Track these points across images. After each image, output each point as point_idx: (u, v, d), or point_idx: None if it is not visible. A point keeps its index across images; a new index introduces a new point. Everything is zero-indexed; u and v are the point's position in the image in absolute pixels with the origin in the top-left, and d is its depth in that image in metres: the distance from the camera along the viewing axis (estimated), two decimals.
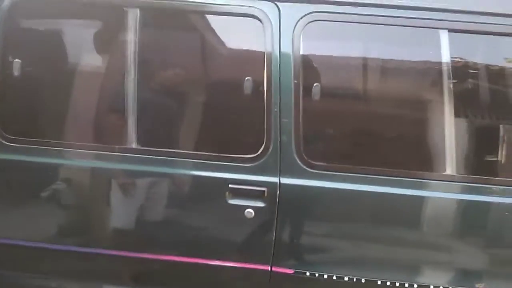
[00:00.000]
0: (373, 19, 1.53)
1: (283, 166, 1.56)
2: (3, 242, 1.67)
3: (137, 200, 1.66)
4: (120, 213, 1.68)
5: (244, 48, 1.67)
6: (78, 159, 1.63)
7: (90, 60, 1.72)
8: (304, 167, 1.54)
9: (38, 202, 1.66)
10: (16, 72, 1.57)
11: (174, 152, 1.61)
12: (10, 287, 1.76)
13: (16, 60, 1.57)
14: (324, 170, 1.55)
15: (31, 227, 1.69)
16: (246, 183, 1.57)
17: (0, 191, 1.67)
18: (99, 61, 1.69)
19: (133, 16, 1.57)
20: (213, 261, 1.62)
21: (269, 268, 1.60)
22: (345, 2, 1.53)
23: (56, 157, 1.62)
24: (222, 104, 1.62)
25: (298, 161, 1.54)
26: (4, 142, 1.59)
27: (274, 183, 1.55)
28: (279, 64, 1.54)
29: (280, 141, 1.55)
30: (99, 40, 1.65)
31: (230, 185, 1.56)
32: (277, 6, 1.55)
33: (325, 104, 1.59)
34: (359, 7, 1.53)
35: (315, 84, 1.53)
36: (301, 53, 1.54)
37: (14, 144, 1.60)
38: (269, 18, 1.55)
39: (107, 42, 1.66)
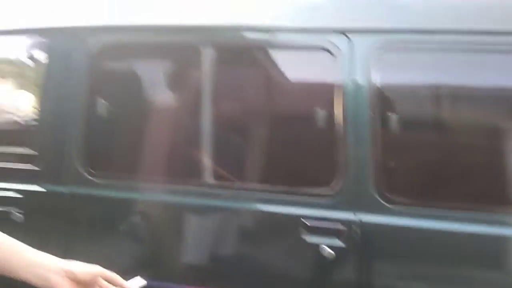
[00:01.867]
0: (449, 46, 1.45)
1: (361, 202, 1.48)
2: None
3: (211, 235, 1.67)
4: (194, 248, 1.69)
5: (316, 81, 1.65)
6: (155, 194, 1.67)
7: (168, 98, 1.80)
8: (385, 203, 1.45)
9: (118, 235, 1.72)
10: (101, 113, 1.68)
11: (248, 187, 1.60)
12: None
13: (102, 101, 1.68)
14: (406, 206, 1.45)
15: (111, 259, 1.75)
16: (322, 219, 1.51)
17: (85, 224, 1.76)
18: (175, 99, 1.77)
19: (208, 54, 1.62)
20: None
21: None
22: (419, 30, 1.47)
23: (137, 191, 1.68)
24: (296, 138, 1.60)
25: (378, 197, 1.46)
26: (89, 177, 1.68)
27: (352, 220, 1.48)
28: (353, 96, 1.50)
29: (357, 176, 1.49)
30: (176, 79, 1.73)
31: (305, 221, 1.51)
32: (348, 37, 1.52)
33: (404, 136, 1.51)
34: (433, 35, 1.46)
35: (392, 115, 1.47)
36: (375, 83, 1.49)
37: (99, 180, 1.69)
38: (340, 50, 1.52)
39: (183, 80, 1.73)
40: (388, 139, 1.49)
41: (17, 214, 1.72)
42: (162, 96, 1.81)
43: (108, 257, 1.73)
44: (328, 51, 1.52)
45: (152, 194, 1.68)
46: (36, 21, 1.80)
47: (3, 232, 0.82)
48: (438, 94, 1.55)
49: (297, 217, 1.51)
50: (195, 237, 1.69)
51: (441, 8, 1.51)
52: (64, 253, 0.82)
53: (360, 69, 1.50)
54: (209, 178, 1.61)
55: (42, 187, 1.75)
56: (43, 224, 1.72)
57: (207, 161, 1.61)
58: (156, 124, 1.77)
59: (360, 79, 1.50)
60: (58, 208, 1.72)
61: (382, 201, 1.45)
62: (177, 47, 1.72)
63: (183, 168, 1.71)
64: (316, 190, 1.53)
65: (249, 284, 1.60)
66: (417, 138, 1.55)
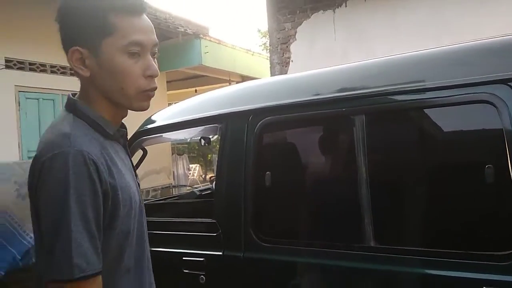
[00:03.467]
0: None
1: None
2: None
3: None
4: None
5: (480, 134, 1.57)
6: (320, 258, 1.73)
7: (325, 166, 1.92)
8: None
9: None
10: (267, 183, 1.87)
11: (415, 250, 1.55)
12: None
13: (267, 172, 1.88)
14: None
15: None
16: (503, 285, 1.37)
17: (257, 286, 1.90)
18: (333, 166, 1.88)
19: (360, 122, 1.70)
20: None
21: None
22: None
23: (302, 255, 1.77)
24: (462, 196, 1.53)
25: None
26: (260, 243, 1.85)
27: None
28: None
29: None
30: (332, 147, 1.85)
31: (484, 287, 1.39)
32: (510, 86, 1.44)
33: None
34: None
35: None
36: None
37: (268, 245, 1.84)
38: (503, 101, 1.44)
39: (339, 148, 1.84)
40: None
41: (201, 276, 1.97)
42: (320, 164, 1.94)
43: None
44: (491, 103, 1.45)
45: (314, 257, 1.74)
46: (212, 109, 2.15)
47: None
48: None
49: (475, 282, 1.40)
50: None
51: None
52: None
53: None
54: (371, 241, 1.62)
55: (220, 251, 1.98)
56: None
57: (368, 224, 1.62)
58: (316, 191, 1.89)
59: None
60: (234, 270, 1.93)
61: None
62: (330, 118, 1.84)
63: (345, 232, 1.75)
64: (493, 252, 1.40)
65: None
66: None
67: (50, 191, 0.87)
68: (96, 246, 0.89)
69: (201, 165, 14.34)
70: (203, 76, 9.96)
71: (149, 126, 2.42)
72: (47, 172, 0.88)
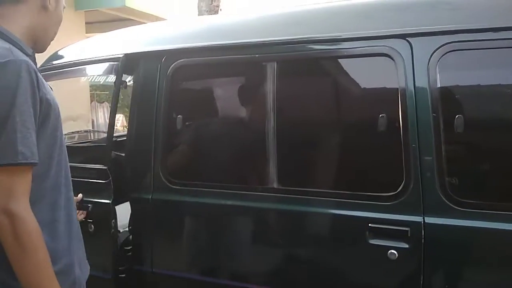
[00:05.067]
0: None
1: (426, 204, 1.48)
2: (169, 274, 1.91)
3: (274, 238, 1.75)
4: (260, 250, 1.79)
5: (377, 86, 1.68)
6: (225, 199, 1.79)
7: (236, 111, 1.95)
8: (451, 205, 1.44)
9: (192, 237, 1.89)
10: (178, 126, 1.86)
11: (312, 191, 1.66)
12: None
13: (179, 116, 1.86)
14: (474, 209, 1.42)
15: (186, 260, 1.91)
16: (387, 222, 1.53)
17: (165, 227, 1.93)
18: (243, 111, 1.91)
19: (271, 69, 1.73)
20: None
21: None
22: (481, 29, 1.45)
23: (208, 196, 1.82)
24: (358, 143, 1.65)
25: (444, 198, 1.45)
26: (169, 185, 1.86)
27: (417, 223, 1.48)
28: (415, 99, 1.50)
29: (421, 178, 1.48)
30: (244, 93, 1.87)
31: (370, 225, 1.54)
32: (408, 41, 1.54)
33: (469, 137, 1.49)
34: (497, 32, 1.43)
35: (457, 116, 1.45)
36: (438, 85, 1.49)
37: (176, 187, 1.86)
38: (400, 55, 1.54)
39: (250, 93, 1.86)
40: (453, 140, 1.48)
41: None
42: (230, 109, 1.96)
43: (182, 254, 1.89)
44: (389, 56, 1.55)
45: (221, 198, 1.80)
46: (124, 48, 2.04)
47: None
48: (502, 93, 1.51)
49: (363, 220, 1.55)
50: (262, 240, 1.78)
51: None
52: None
53: (421, 72, 1.51)
54: (276, 183, 1.70)
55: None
56: None
57: (272, 167, 1.70)
58: (225, 134, 1.92)
59: (422, 82, 1.51)
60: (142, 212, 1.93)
61: (448, 203, 1.44)
62: (243, 64, 1.85)
63: (250, 174, 1.82)
64: (380, 194, 1.55)
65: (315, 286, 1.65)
66: (483, 139, 1.51)
67: (2, 83, 0.97)
68: (35, 141, 1.00)
69: (125, 116, 13.77)
70: (128, 19, 9.33)
71: (55, 62, 2.25)
72: (2, 72, 0.98)
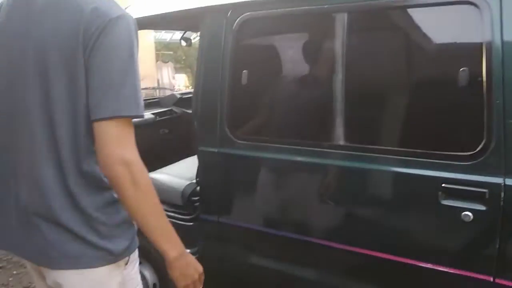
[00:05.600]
0: None
1: (508, 165, 1.38)
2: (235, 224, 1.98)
3: (344, 196, 1.73)
4: (325, 207, 1.78)
5: (458, 38, 1.54)
6: (289, 154, 1.78)
7: (303, 66, 1.89)
8: None
9: (255, 190, 1.92)
10: (244, 81, 1.85)
11: (383, 149, 1.61)
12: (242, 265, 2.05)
13: (244, 71, 1.85)
14: None
15: (251, 211, 1.96)
16: (462, 183, 1.44)
17: (230, 180, 1.98)
18: (311, 66, 1.85)
19: (341, 21, 1.65)
20: (423, 263, 1.55)
21: (492, 279, 1.43)
22: None
23: (272, 152, 1.82)
24: (435, 99, 1.54)
25: None
26: (234, 139, 1.88)
27: (497, 185, 1.39)
28: (502, 53, 1.37)
29: (504, 138, 1.37)
30: (312, 47, 1.81)
31: (443, 185, 1.46)
32: None
33: None
34: None
35: None
36: None
37: (242, 142, 1.88)
38: (487, 3, 1.39)
39: (320, 48, 1.79)
40: None
41: None
42: (298, 63, 1.91)
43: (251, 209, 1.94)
44: (474, 4, 1.41)
45: (285, 154, 1.79)
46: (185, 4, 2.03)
47: None
48: None
49: (436, 180, 1.47)
50: (327, 197, 1.77)
51: None
52: None
53: (510, 24, 1.36)
54: (344, 140, 1.67)
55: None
56: None
57: (340, 124, 1.65)
58: (292, 90, 1.89)
59: (510, 35, 1.36)
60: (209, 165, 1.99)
61: None
62: (312, 16, 1.77)
63: (318, 131, 1.79)
64: (456, 153, 1.46)
65: (383, 244, 1.63)
66: None
67: (121, 39, 0.99)
68: None
69: (188, 76, 14.07)
70: None
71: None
72: (117, 27, 0.99)
